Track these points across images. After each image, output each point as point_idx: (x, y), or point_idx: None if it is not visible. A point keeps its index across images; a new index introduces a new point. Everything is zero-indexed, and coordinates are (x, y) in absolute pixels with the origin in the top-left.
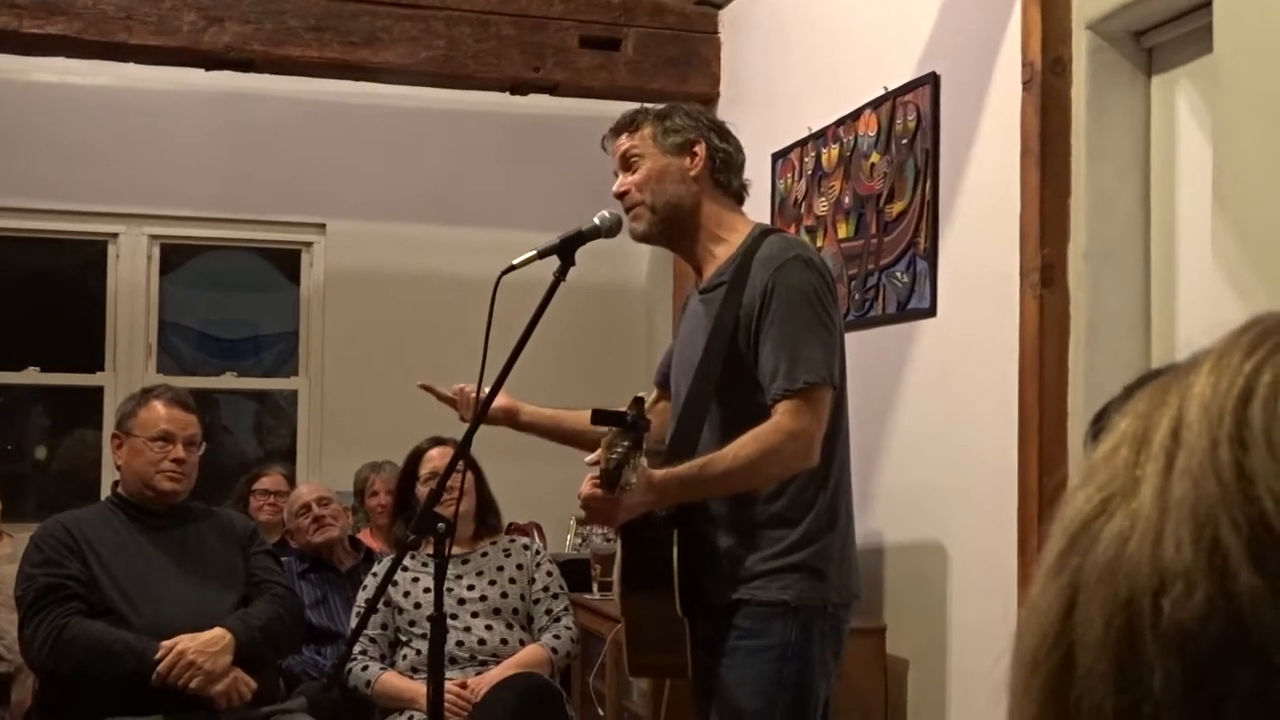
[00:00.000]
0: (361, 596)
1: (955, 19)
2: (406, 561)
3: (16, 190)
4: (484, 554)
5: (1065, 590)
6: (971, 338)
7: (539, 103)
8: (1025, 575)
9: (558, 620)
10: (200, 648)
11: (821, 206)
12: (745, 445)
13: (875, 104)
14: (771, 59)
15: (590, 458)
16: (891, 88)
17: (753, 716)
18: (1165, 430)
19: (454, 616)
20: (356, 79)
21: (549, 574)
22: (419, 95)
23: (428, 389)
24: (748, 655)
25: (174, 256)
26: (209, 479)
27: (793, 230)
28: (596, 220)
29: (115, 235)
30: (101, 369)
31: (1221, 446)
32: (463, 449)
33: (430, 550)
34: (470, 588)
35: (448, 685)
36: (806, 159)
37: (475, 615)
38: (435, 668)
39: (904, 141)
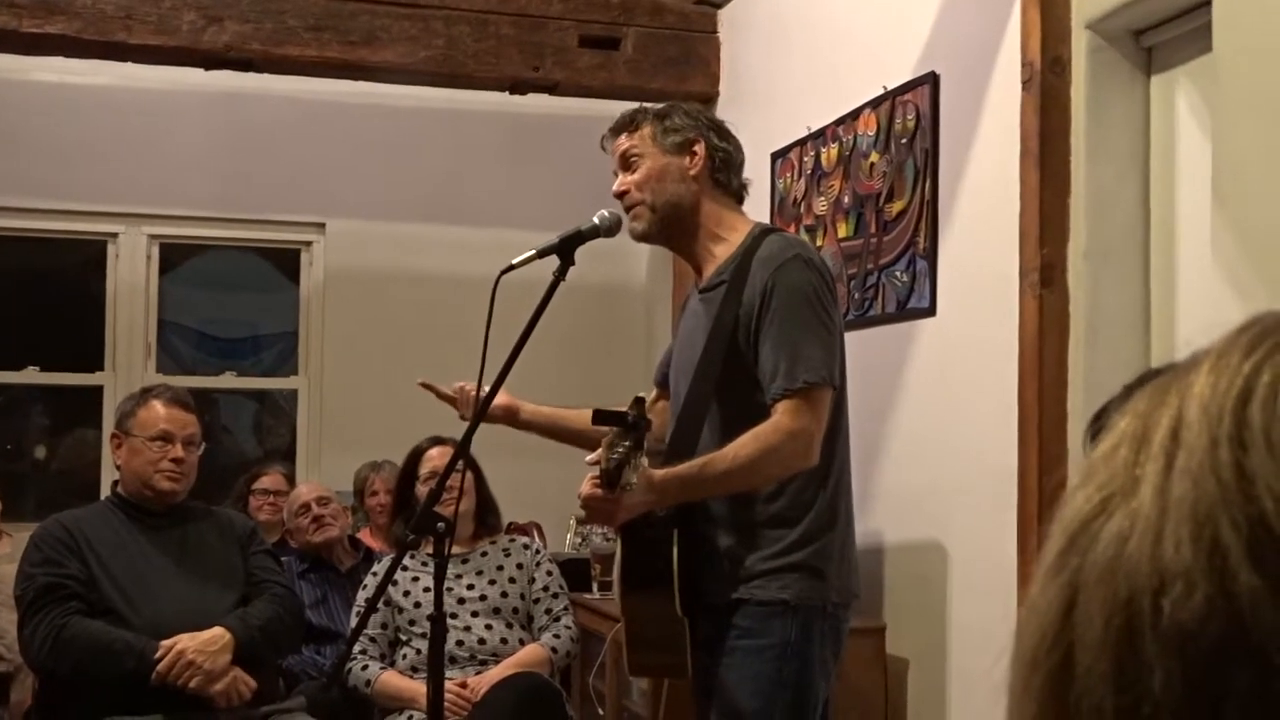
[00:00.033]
0: (361, 596)
1: (954, 18)
2: (406, 561)
3: (16, 190)
4: (484, 553)
5: (1065, 590)
6: (971, 337)
7: (538, 102)
8: (1025, 575)
9: (557, 620)
10: (200, 647)
11: (821, 206)
12: (745, 445)
13: (874, 103)
14: (771, 58)
15: (590, 457)
16: (891, 87)
17: (752, 716)
18: (1165, 430)
19: (454, 616)
20: (356, 78)
21: (549, 573)
22: (418, 95)
23: (428, 387)
24: (747, 655)
25: (173, 256)
26: (208, 479)
27: (792, 230)
28: (596, 220)
29: (115, 235)
30: (101, 368)
31: (1221, 446)
32: (462, 448)
33: (430, 550)
34: (470, 587)
35: (447, 685)
36: (806, 158)
37: (475, 615)
38: (435, 667)
39: (903, 141)
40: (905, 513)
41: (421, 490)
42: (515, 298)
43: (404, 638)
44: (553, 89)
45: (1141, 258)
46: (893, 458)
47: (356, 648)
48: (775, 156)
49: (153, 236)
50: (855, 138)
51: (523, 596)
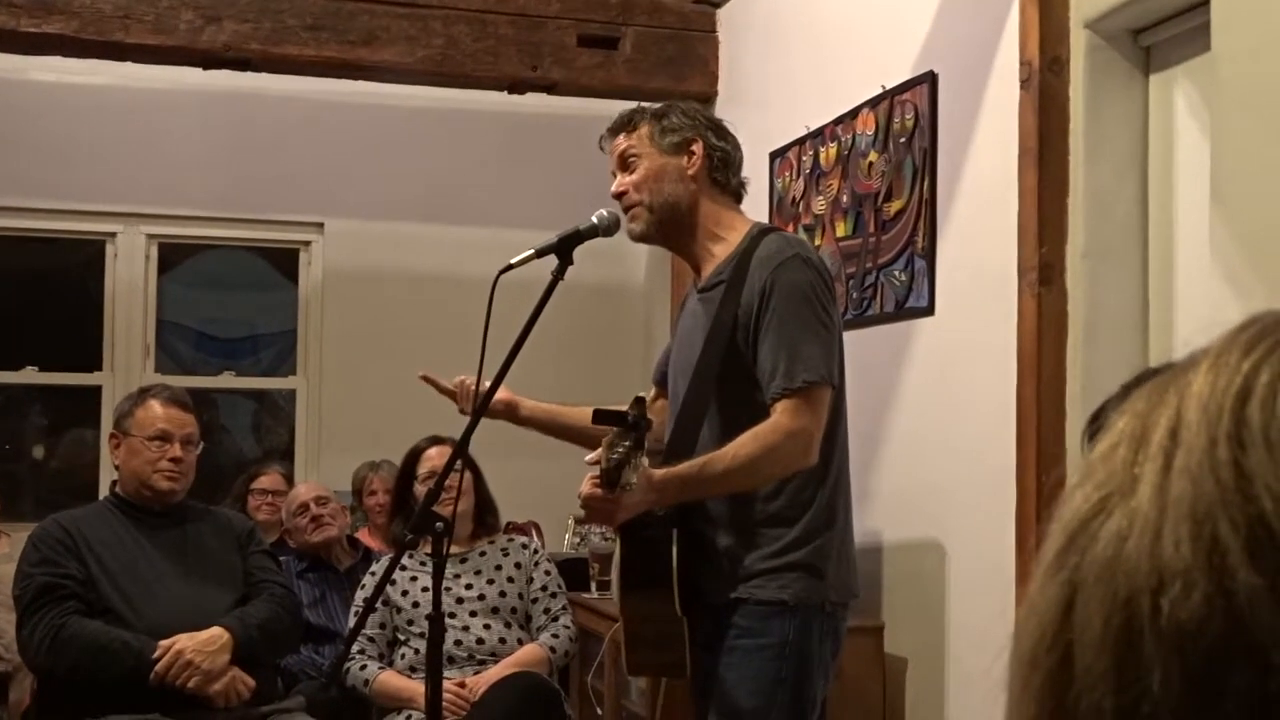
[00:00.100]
0: (360, 596)
1: (953, 18)
2: (405, 560)
3: (14, 189)
4: (482, 553)
5: (1064, 589)
6: (969, 337)
7: (537, 102)
8: (1023, 574)
9: (556, 619)
10: (198, 647)
11: (819, 205)
12: (744, 444)
13: (873, 103)
14: (769, 58)
15: (590, 457)
16: (889, 86)
17: (751, 715)
18: (1163, 429)
19: (452, 615)
20: (354, 78)
21: (547, 573)
22: (417, 94)
23: (429, 380)
24: (746, 654)
25: (172, 256)
26: (207, 478)
27: (791, 229)
28: (595, 219)
29: (113, 234)
30: (99, 368)
31: (1220, 445)
32: (461, 448)
33: (428, 549)
34: (469, 587)
35: (446, 684)
36: (804, 158)
37: (474, 614)
38: (433, 667)
39: (902, 140)
40: (904, 512)
41: (420, 490)
42: (514, 297)
43: (402, 637)
44: (551, 88)
45: (1140, 257)
46: (891, 457)
47: (355, 647)
48: (774, 156)
49: (151, 236)
50: (854, 137)
51: (521, 596)
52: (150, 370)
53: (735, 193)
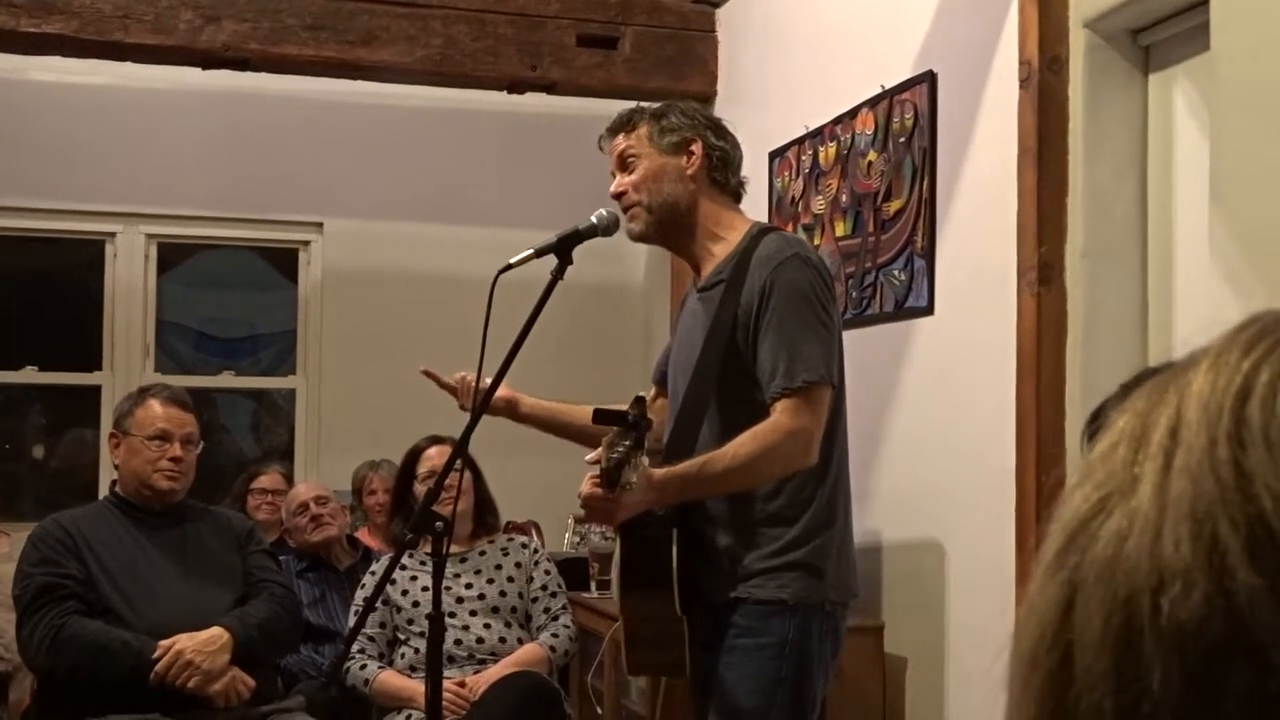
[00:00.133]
0: (360, 595)
1: (952, 17)
2: (405, 560)
3: (14, 189)
4: (482, 552)
5: (1064, 589)
6: (969, 336)
7: (536, 101)
8: (1023, 573)
9: (556, 619)
10: (198, 647)
11: (819, 205)
12: (744, 444)
13: (872, 102)
14: (768, 57)
15: (590, 457)
16: (889, 86)
17: (751, 714)
18: (1163, 428)
19: (452, 615)
20: (354, 78)
21: (547, 572)
22: (416, 94)
23: (429, 375)
24: (746, 653)
25: (172, 255)
26: (206, 478)
27: (790, 229)
28: (594, 219)
29: (113, 234)
30: (99, 368)
31: (1220, 445)
32: (460, 447)
33: (428, 549)
34: (469, 586)
35: (446, 684)
36: (804, 157)
37: (474, 614)
38: (433, 666)
39: (901, 140)
40: (903, 511)
41: (420, 489)
42: (513, 297)
43: (402, 637)
44: (551, 88)
45: (1139, 256)
46: (891, 456)
47: (355, 647)
48: (773, 155)
49: (150, 236)
50: (853, 137)
51: (521, 595)
52: (150, 370)
53: (735, 192)
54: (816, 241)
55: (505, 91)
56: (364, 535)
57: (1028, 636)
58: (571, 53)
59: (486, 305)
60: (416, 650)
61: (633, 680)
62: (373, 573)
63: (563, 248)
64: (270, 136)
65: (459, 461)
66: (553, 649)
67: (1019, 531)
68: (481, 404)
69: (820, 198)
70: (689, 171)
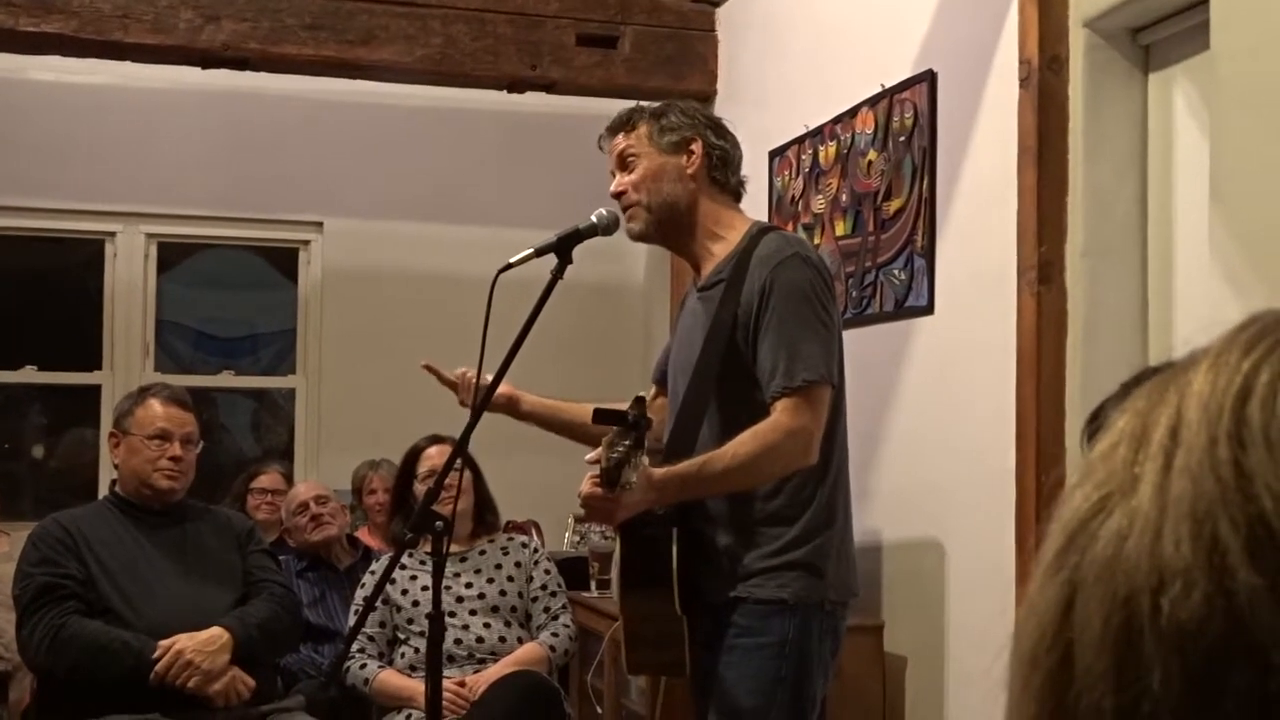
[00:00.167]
0: (360, 595)
1: (952, 16)
2: (405, 559)
3: (13, 189)
4: (482, 552)
5: (1064, 588)
6: (969, 336)
7: (536, 101)
8: (1023, 573)
9: (556, 618)
10: (198, 647)
11: (819, 204)
12: (744, 443)
13: (872, 101)
14: (768, 56)
15: (590, 456)
16: (889, 85)
17: (750, 714)
18: (1164, 428)
19: (452, 614)
20: (353, 77)
21: (547, 572)
22: (416, 93)
23: (431, 370)
24: (746, 653)
25: (171, 255)
26: (206, 478)
27: (790, 228)
28: (594, 218)
29: (113, 234)
30: (99, 368)
31: (1220, 444)
32: (460, 447)
33: (428, 548)
34: (469, 585)
35: (446, 683)
36: (804, 157)
37: (474, 613)
38: (433, 666)
39: (901, 139)
40: (903, 511)
41: (419, 489)
42: (513, 296)
43: (402, 636)
44: (550, 88)
45: (1139, 256)
46: (891, 456)
47: (355, 646)
48: (773, 155)
49: (150, 235)
50: (853, 136)
51: (521, 595)
52: (150, 369)
53: (734, 192)
54: (816, 241)
55: (505, 91)
56: (364, 535)
57: (1028, 636)
58: (571, 52)
59: (486, 305)
60: (416, 650)
61: (633, 680)
62: (372, 572)
63: (563, 247)
64: (270, 136)
65: (459, 461)
66: (553, 648)
67: (1019, 531)
68: (482, 402)
69: (820, 197)
70: (689, 171)
